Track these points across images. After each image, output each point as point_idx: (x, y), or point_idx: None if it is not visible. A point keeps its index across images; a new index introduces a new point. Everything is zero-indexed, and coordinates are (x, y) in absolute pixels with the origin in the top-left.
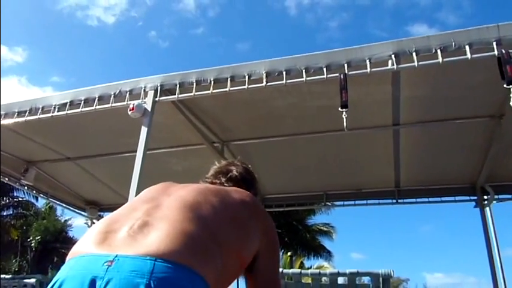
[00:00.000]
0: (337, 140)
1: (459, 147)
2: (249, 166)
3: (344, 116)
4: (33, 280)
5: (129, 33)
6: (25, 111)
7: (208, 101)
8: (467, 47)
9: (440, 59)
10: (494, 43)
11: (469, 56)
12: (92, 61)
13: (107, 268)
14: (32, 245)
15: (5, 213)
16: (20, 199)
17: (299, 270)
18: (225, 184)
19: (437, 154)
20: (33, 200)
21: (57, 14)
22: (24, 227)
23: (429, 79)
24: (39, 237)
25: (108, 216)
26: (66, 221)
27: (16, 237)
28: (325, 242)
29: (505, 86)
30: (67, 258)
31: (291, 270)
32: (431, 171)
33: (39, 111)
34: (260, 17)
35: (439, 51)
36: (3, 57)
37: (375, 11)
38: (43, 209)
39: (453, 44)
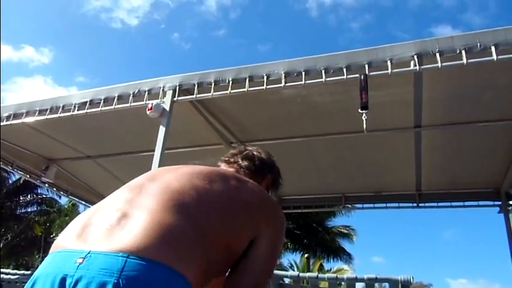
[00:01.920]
0: (356, 141)
1: (483, 151)
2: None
3: (364, 117)
4: None
5: (152, 35)
6: (46, 110)
7: (227, 101)
8: (493, 48)
9: (464, 60)
10: None
11: (494, 57)
12: (115, 62)
13: (78, 266)
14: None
15: (29, 210)
16: (43, 196)
17: (316, 274)
18: (241, 163)
19: (460, 157)
20: (56, 197)
21: (82, 16)
22: (48, 224)
23: (452, 80)
24: None
25: (94, 206)
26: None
27: (40, 233)
28: (346, 245)
29: None
30: (50, 251)
31: (307, 274)
32: (453, 175)
33: (60, 109)
34: (281, 19)
35: (463, 52)
36: (29, 58)
37: (398, 13)
38: (66, 206)
39: (478, 44)
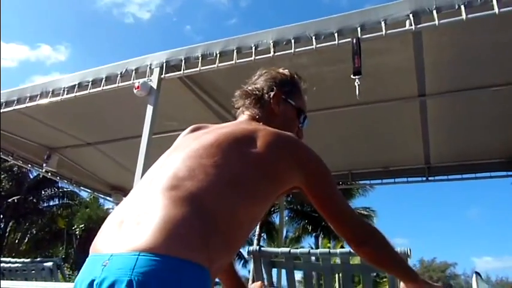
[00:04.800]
0: (359, 114)
1: (493, 119)
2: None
3: (357, 83)
4: (50, 263)
5: (164, 29)
6: (36, 96)
7: (219, 77)
8: (494, 1)
9: (464, 16)
10: None
11: (496, 10)
12: (130, 56)
13: (103, 268)
14: (77, 233)
15: (51, 204)
16: (64, 189)
17: (308, 249)
18: (245, 103)
19: (469, 127)
20: (76, 190)
21: (95, 12)
22: (70, 217)
23: (454, 41)
24: (82, 226)
25: (119, 205)
26: (108, 209)
27: (63, 226)
28: None
29: None
30: (90, 250)
31: (299, 250)
32: (463, 146)
33: (50, 94)
34: (292, 4)
35: (462, 7)
36: (46, 57)
37: None
38: (87, 199)
39: None
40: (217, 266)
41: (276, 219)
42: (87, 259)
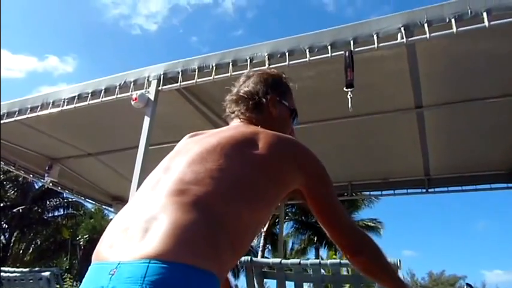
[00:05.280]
0: (357, 126)
1: (491, 130)
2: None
3: (349, 96)
4: (47, 273)
5: (171, 40)
6: (37, 106)
7: (216, 89)
8: (484, 14)
9: (454, 29)
10: None
11: (486, 23)
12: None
13: (110, 278)
14: (81, 243)
15: (56, 214)
16: (69, 200)
17: (298, 260)
18: (240, 109)
19: (468, 138)
20: (81, 201)
21: (102, 24)
22: (74, 227)
23: (448, 53)
24: (87, 236)
25: (121, 212)
26: (112, 219)
27: (67, 237)
28: (374, 238)
29: None
30: (92, 259)
31: (290, 261)
32: (462, 158)
33: (50, 105)
34: (298, 15)
35: (453, 20)
36: (53, 67)
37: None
38: (92, 209)
39: (469, 11)
40: (225, 270)
41: None
42: (90, 268)
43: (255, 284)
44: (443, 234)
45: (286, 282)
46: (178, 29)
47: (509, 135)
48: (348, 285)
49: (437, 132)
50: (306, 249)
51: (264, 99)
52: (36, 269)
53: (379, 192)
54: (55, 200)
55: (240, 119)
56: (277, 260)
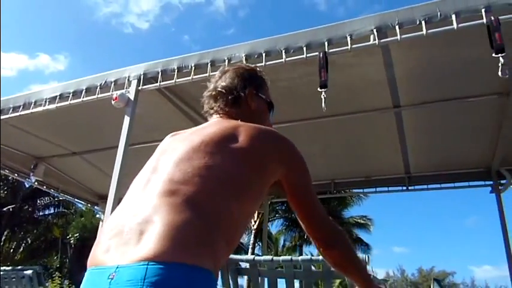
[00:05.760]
0: (338, 125)
1: (469, 129)
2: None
3: (323, 96)
4: (29, 271)
5: (163, 39)
6: (19, 106)
7: (198, 88)
8: (453, 16)
9: (424, 31)
10: (483, 10)
11: (455, 25)
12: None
13: (110, 282)
14: (71, 242)
15: (47, 213)
16: (60, 198)
17: (271, 257)
18: (219, 104)
19: (445, 137)
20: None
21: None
22: (65, 226)
23: (422, 55)
24: (77, 235)
25: (113, 214)
26: (103, 221)
27: (58, 235)
28: (363, 235)
29: (493, 55)
30: (87, 265)
31: (262, 258)
32: (441, 156)
33: (32, 105)
34: (289, 14)
35: (423, 22)
36: (45, 66)
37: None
38: (83, 208)
39: (439, 13)
40: (220, 266)
41: (271, 227)
42: (87, 273)
43: (230, 280)
44: (434, 230)
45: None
46: (170, 27)
47: (486, 135)
48: (338, 280)
49: (416, 131)
50: (297, 246)
51: (242, 93)
52: (19, 267)
53: (361, 190)
54: (46, 198)
55: (219, 114)
56: (251, 256)
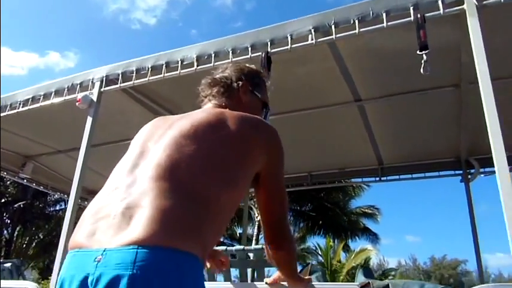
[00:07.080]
0: (307, 120)
1: (432, 120)
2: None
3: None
4: (9, 264)
5: (170, 33)
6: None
7: (164, 88)
8: (384, 15)
9: (357, 30)
10: (411, 8)
11: (385, 24)
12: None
13: (96, 264)
14: None
15: (57, 208)
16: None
17: (242, 247)
18: (213, 92)
19: (411, 128)
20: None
21: (102, 20)
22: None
23: (369, 50)
24: None
25: (95, 199)
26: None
27: None
28: (371, 225)
29: (418, 52)
30: (69, 248)
31: (234, 248)
32: (410, 147)
33: (8, 108)
34: (297, 5)
35: (356, 21)
36: (55, 63)
37: None
38: None
39: (371, 12)
40: (207, 251)
41: None
42: (69, 256)
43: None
44: (446, 219)
45: None
46: (177, 22)
47: (449, 125)
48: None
49: (381, 124)
50: (305, 237)
51: (235, 84)
52: (0, 260)
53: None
54: (56, 194)
55: (211, 102)
56: (223, 247)
